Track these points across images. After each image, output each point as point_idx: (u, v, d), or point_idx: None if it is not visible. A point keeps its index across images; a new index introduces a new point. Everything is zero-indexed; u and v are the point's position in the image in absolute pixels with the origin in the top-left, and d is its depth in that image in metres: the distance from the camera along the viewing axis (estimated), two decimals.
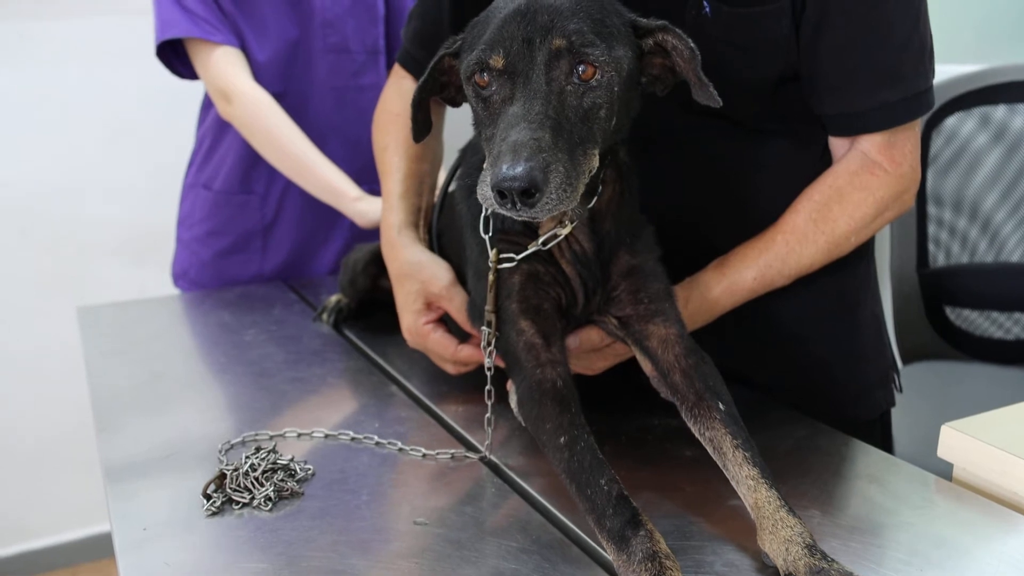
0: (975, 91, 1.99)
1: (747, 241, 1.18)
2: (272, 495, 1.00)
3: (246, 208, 1.97)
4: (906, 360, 2.16)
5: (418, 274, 1.23)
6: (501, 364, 1.07)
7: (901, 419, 1.46)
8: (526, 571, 0.87)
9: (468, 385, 1.29)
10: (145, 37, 1.87)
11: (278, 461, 1.06)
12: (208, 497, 1.00)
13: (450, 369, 1.26)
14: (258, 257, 2.00)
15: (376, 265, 1.49)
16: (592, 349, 1.12)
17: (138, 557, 0.91)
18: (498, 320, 1.04)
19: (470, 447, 1.14)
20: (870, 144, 1.14)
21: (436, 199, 1.35)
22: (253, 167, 1.94)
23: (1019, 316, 2.07)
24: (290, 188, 1.94)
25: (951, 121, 2.02)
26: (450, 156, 1.32)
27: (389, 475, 1.07)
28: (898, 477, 1.05)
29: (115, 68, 2.61)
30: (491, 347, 1.05)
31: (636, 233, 1.07)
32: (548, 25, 0.89)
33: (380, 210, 1.41)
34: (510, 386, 1.06)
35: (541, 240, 1.03)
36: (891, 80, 1.10)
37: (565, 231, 1.02)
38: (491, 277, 1.04)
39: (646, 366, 1.05)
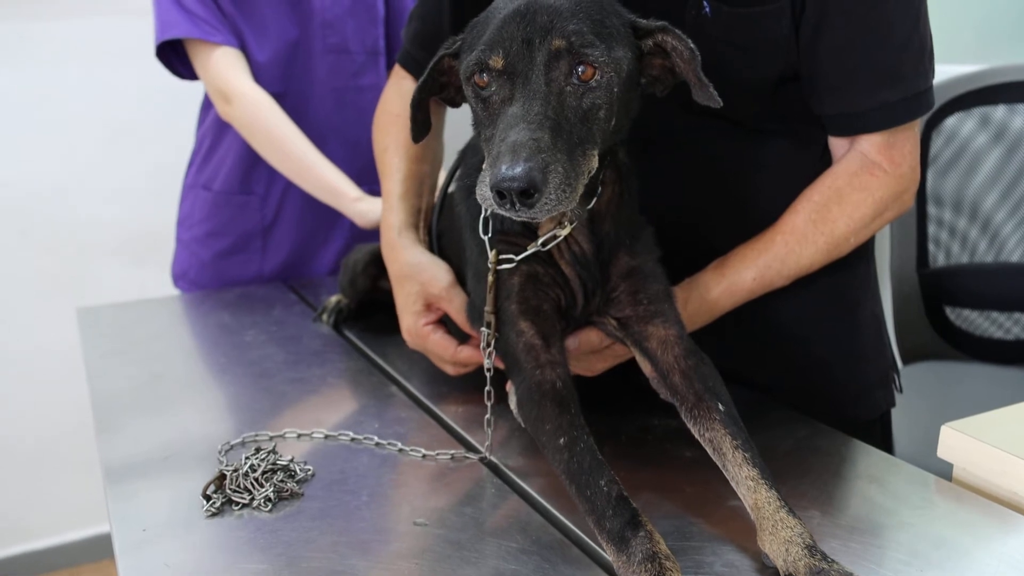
0: (975, 91, 1.99)
1: (746, 242, 1.18)
2: (272, 496, 1.00)
3: (246, 209, 1.97)
4: (906, 360, 2.16)
5: (418, 275, 1.23)
6: (501, 365, 1.07)
7: (901, 419, 1.46)
8: (526, 572, 0.87)
9: (468, 386, 1.29)
10: (145, 37, 1.88)
11: (278, 462, 1.06)
12: (208, 498, 1.00)
13: (450, 370, 1.26)
14: (258, 258, 2.00)
15: (376, 266, 1.49)
16: (591, 350, 1.12)
17: (138, 558, 0.91)
18: (497, 321, 1.04)
19: (470, 448, 1.14)
20: (869, 144, 1.14)
21: (436, 200, 1.35)
22: (253, 168, 1.94)
23: (1019, 316, 2.07)
24: (290, 189, 1.94)
25: (951, 121, 2.02)
26: (450, 157, 1.32)
27: (389, 476, 1.07)
28: (898, 477, 1.05)
29: (115, 68, 2.62)
30: (490, 348, 1.05)
31: (635, 234, 1.07)
32: (548, 26, 0.89)
33: (380, 211, 1.41)
34: (509, 387, 1.06)
35: (540, 241, 1.03)
36: (891, 80, 1.10)
37: (564, 232, 1.02)
38: (490, 278, 1.04)
39: (645, 367, 1.05)
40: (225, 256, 2.00)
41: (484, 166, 0.91)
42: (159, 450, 1.14)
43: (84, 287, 2.66)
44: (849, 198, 1.14)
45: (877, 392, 1.33)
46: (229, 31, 1.84)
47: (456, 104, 1.09)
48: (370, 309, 1.60)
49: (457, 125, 1.34)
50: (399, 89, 1.38)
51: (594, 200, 1.02)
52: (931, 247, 2.10)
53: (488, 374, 1.07)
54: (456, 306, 1.19)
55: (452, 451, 1.12)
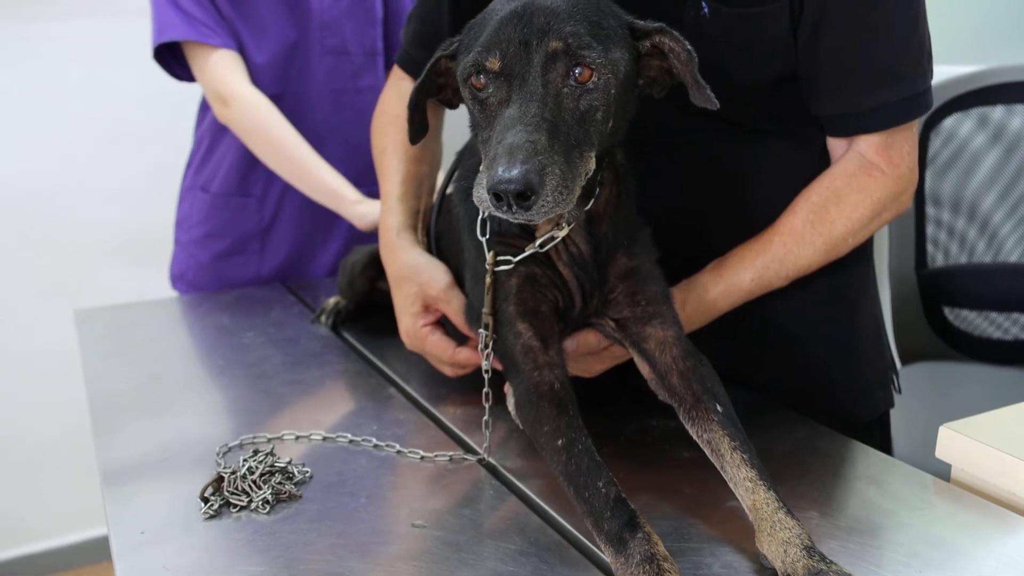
0: (973, 92, 1.99)
1: (744, 243, 1.18)
2: (270, 498, 1.00)
3: (244, 210, 1.97)
4: (905, 361, 2.16)
5: (416, 276, 1.23)
6: (499, 367, 1.07)
7: (900, 420, 1.46)
8: (524, 573, 0.87)
9: (466, 387, 1.28)
10: (145, 38, 1.87)
11: (276, 464, 1.06)
12: (206, 500, 1.00)
13: (448, 371, 1.26)
14: (256, 259, 2.00)
15: (374, 267, 1.49)
16: (590, 352, 1.12)
17: (135, 560, 0.91)
18: (496, 323, 1.04)
19: (468, 449, 1.14)
20: (868, 145, 1.14)
21: (434, 201, 1.35)
22: (251, 169, 1.94)
23: (1017, 316, 2.07)
24: (288, 190, 1.94)
25: (949, 122, 2.02)
26: (449, 158, 1.32)
27: (387, 477, 1.07)
28: (896, 478, 1.05)
29: (115, 69, 2.62)
30: (488, 350, 1.05)
31: (633, 235, 1.07)
32: (545, 27, 0.89)
33: (379, 213, 1.41)
34: (508, 389, 1.06)
35: (538, 242, 1.03)
36: (890, 80, 1.10)
37: (562, 233, 1.02)
38: (488, 280, 1.04)
39: (644, 368, 1.05)
40: (223, 258, 2.00)
41: (481, 168, 0.91)
42: (157, 452, 1.14)
43: (84, 288, 2.66)
44: (847, 199, 1.14)
45: (876, 393, 1.33)
46: (227, 33, 1.84)
47: (453, 105, 1.09)
48: (368, 311, 1.60)
49: (456, 126, 1.34)
50: (398, 90, 1.38)
51: (592, 201, 1.02)
52: (929, 248, 2.11)
53: (486, 376, 1.07)
54: (454, 307, 1.19)
55: (450, 453, 1.11)
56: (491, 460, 1.10)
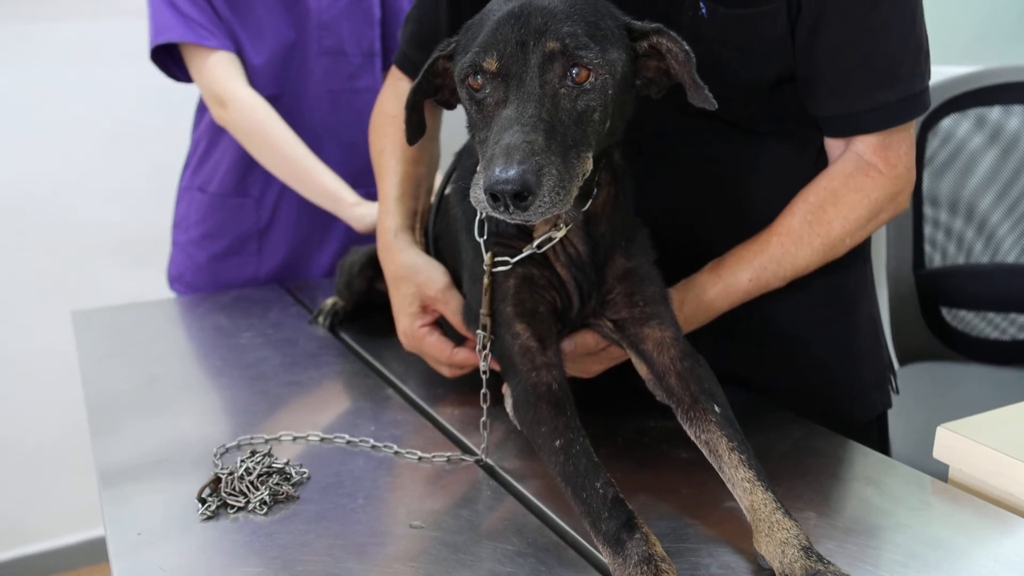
0: (971, 92, 1.99)
1: (742, 243, 1.18)
2: (267, 499, 1.00)
3: (242, 211, 1.97)
4: (902, 361, 2.16)
5: (414, 277, 1.23)
6: (496, 367, 1.07)
7: (897, 420, 1.46)
8: (522, 574, 0.87)
9: (464, 388, 1.28)
10: (145, 39, 1.87)
11: (273, 465, 1.06)
12: (203, 501, 1.00)
13: (446, 372, 1.26)
14: (254, 260, 2.00)
15: (372, 268, 1.49)
16: (587, 352, 1.12)
17: (132, 562, 0.91)
18: (493, 323, 1.04)
19: (466, 450, 1.14)
20: (865, 146, 1.14)
21: (432, 202, 1.35)
22: (249, 170, 1.93)
23: (1015, 317, 2.07)
24: (286, 191, 1.94)
25: (947, 122, 2.02)
26: (447, 159, 1.32)
27: (385, 478, 1.07)
28: (894, 479, 1.05)
29: (115, 69, 2.62)
30: (486, 350, 1.05)
31: (631, 236, 1.07)
32: (542, 28, 0.89)
33: (377, 215, 1.41)
34: (505, 389, 1.06)
35: (536, 243, 1.02)
36: (888, 81, 1.10)
37: (560, 234, 1.02)
38: (486, 280, 1.04)
39: (642, 369, 1.05)
40: (221, 259, 1.99)
41: (478, 169, 0.91)
42: (154, 453, 1.14)
43: (83, 288, 2.65)
44: (845, 199, 1.14)
45: (873, 393, 1.33)
46: (224, 35, 1.83)
47: (451, 106, 1.09)
48: (366, 311, 1.60)
49: (453, 127, 1.34)
50: (395, 90, 1.38)
51: (589, 202, 1.02)
52: (927, 248, 2.11)
53: (484, 376, 1.07)
54: (452, 308, 1.19)
55: (448, 453, 1.11)
56: (489, 461, 1.10)
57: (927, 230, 2.10)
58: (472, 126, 0.97)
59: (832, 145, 1.19)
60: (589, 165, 0.92)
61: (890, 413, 1.39)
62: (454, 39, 1.00)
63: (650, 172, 1.15)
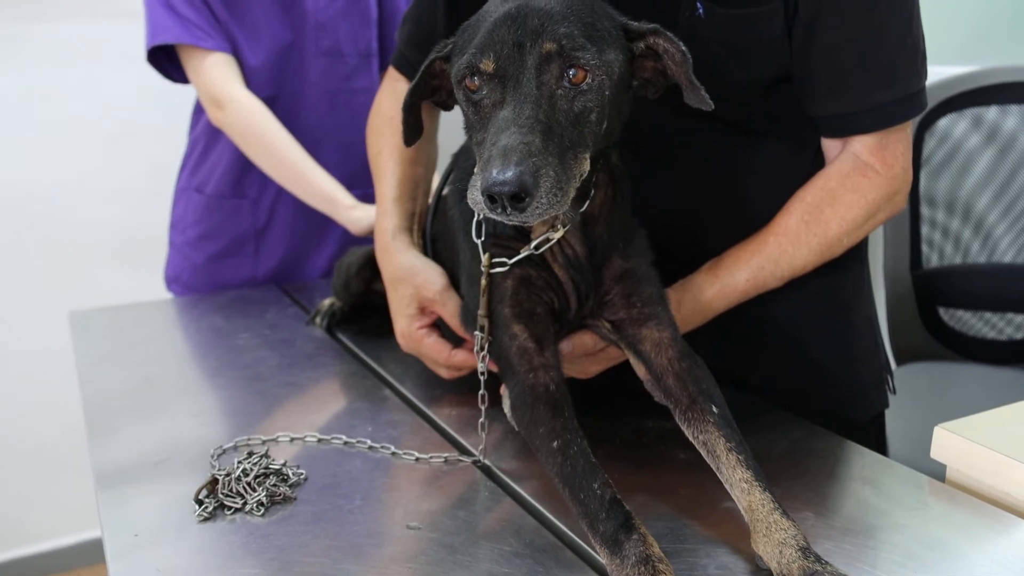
0: (967, 92, 2.00)
1: (739, 243, 1.18)
2: (264, 500, 1.00)
3: (239, 212, 1.97)
4: (900, 361, 2.16)
5: (412, 279, 1.23)
6: (494, 368, 1.07)
7: (895, 420, 1.46)
8: (519, 575, 0.87)
9: (462, 389, 1.28)
10: (143, 40, 1.87)
11: (270, 466, 1.06)
12: (200, 502, 1.00)
13: (444, 373, 1.26)
14: (251, 261, 2.00)
15: (370, 269, 1.49)
16: (585, 353, 1.12)
17: (129, 563, 0.91)
18: (491, 324, 1.04)
19: (463, 451, 1.14)
20: (862, 146, 1.15)
21: (430, 203, 1.35)
22: (246, 171, 1.93)
23: (1012, 316, 2.08)
24: (283, 193, 1.94)
25: (944, 122, 2.03)
26: (444, 160, 1.32)
27: (382, 479, 1.07)
28: (892, 479, 1.05)
29: (114, 70, 2.61)
30: (484, 352, 1.05)
31: (628, 237, 1.07)
32: (539, 29, 0.89)
33: (374, 217, 1.41)
34: (503, 390, 1.06)
35: (533, 244, 1.02)
36: (884, 81, 1.10)
37: (557, 235, 1.02)
38: (484, 282, 1.04)
39: (639, 370, 1.05)
40: (218, 260, 1.99)
41: (475, 170, 0.91)
42: (151, 454, 1.14)
43: (83, 288, 2.65)
44: (842, 199, 1.14)
45: (871, 393, 1.34)
46: (221, 36, 1.83)
47: (448, 107, 1.09)
48: (364, 312, 1.60)
49: (451, 128, 1.34)
50: (393, 91, 1.38)
51: (587, 203, 1.02)
52: (924, 248, 2.11)
53: (482, 377, 1.07)
54: (450, 310, 1.19)
55: (445, 454, 1.11)
56: (486, 462, 1.10)
57: (924, 230, 2.10)
58: (469, 127, 0.97)
59: (829, 145, 1.19)
60: (586, 166, 0.92)
61: (887, 413, 1.39)
62: (451, 40, 1.00)
63: (647, 173, 1.15)
